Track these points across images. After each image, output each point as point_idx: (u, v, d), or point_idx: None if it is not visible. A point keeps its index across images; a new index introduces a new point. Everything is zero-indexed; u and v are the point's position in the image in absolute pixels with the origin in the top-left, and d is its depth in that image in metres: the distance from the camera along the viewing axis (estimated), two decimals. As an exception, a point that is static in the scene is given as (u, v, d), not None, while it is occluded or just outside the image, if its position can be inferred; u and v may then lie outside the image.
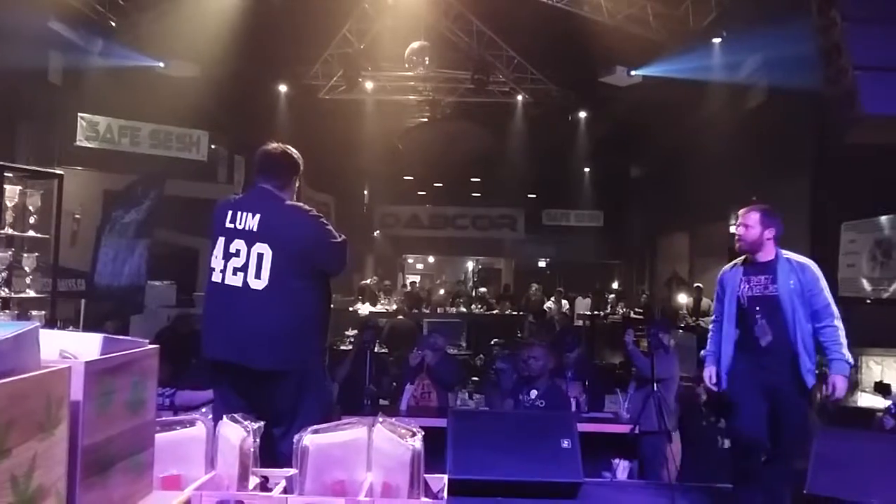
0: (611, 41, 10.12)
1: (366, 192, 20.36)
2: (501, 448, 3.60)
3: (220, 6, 9.30)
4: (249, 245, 2.86)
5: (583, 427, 4.27)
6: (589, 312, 12.94)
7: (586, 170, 17.98)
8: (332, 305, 3.27)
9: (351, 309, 12.96)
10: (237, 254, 2.86)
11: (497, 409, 5.42)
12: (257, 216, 2.90)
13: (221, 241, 2.91)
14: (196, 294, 9.39)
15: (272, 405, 2.86)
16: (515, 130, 14.73)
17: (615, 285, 17.88)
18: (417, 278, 20.77)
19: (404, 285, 17.91)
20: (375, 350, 6.69)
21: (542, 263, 21.03)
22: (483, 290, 15.65)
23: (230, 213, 2.93)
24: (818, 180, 9.62)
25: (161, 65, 10.82)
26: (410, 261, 23.14)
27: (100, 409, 1.34)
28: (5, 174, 3.70)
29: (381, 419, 1.92)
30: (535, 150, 15.18)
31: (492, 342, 9.29)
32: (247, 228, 2.88)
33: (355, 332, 10.11)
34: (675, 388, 5.39)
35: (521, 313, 12.71)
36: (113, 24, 9.98)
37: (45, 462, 1.16)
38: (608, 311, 13.92)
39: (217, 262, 2.91)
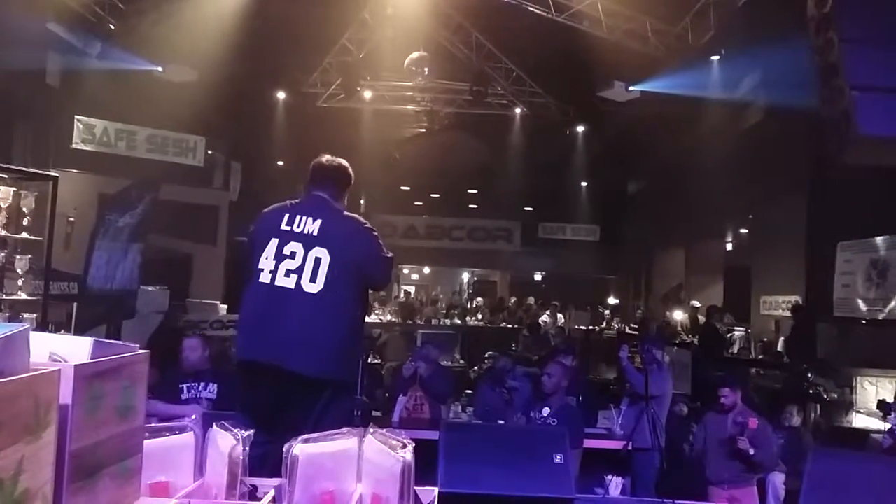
0: (609, 56, 10.18)
1: (362, 202, 20.36)
2: (493, 462, 3.57)
3: (220, 11, 9.33)
4: (307, 248, 2.89)
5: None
6: (585, 327, 12.94)
7: (583, 184, 18.04)
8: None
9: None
10: (292, 256, 2.88)
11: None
12: (318, 221, 2.94)
13: (275, 242, 2.90)
14: (190, 300, 9.37)
15: (304, 412, 2.83)
16: (513, 143, 14.78)
17: (611, 300, 17.89)
18: (412, 289, 20.73)
19: (397, 296, 17.88)
20: (369, 361, 6.66)
21: (537, 276, 21.04)
22: (479, 301, 15.64)
23: (287, 215, 2.96)
24: (814, 200, 9.68)
25: (159, 69, 10.85)
26: (406, 271, 23.10)
27: (88, 414, 1.33)
28: (0, 175, 3.69)
29: (371, 430, 1.91)
30: (533, 163, 15.24)
31: (486, 355, 9.26)
32: (306, 232, 2.92)
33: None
34: (668, 405, 5.39)
35: (517, 326, 12.69)
36: (112, 26, 10.01)
37: (32, 466, 1.15)
38: (603, 325, 13.92)
39: (267, 262, 2.89)
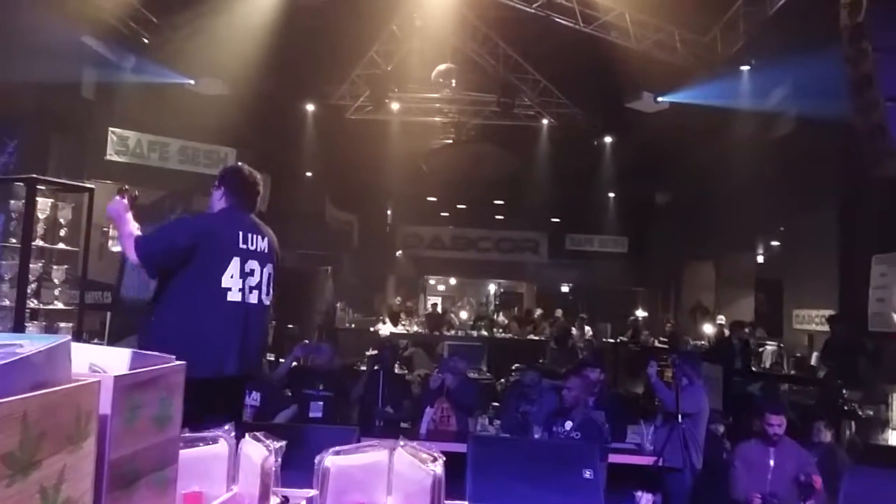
0: (638, 67, 10.13)
1: (389, 212, 20.47)
2: (522, 476, 3.56)
3: (251, 25, 9.47)
4: (262, 265, 3.07)
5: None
6: (613, 340, 12.83)
7: (611, 195, 17.92)
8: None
9: (372, 329, 12.98)
10: (252, 273, 3.02)
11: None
12: (266, 239, 3.12)
13: (237, 261, 2.99)
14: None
15: (237, 405, 3.18)
16: (540, 154, 14.74)
17: (639, 312, 17.71)
18: (439, 300, 20.73)
19: (427, 308, 17.90)
20: (396, 371, 6.67)
21: (564, 288, 20.92)
22: (506, 315, 15.57)
23: (241, 234, 3.04)
24: (847, 212, 9.50)
25: (191, 82, 11.03)
26: (432, 282, 23.13)
27: (127, 424, 1.35)
28: (38, 187, 3.78)
29: (402, 442, 1.92)
30: (560, 174, 15.18)
31: (513, 367, 9.22)
32: (258, 250, 3.08)
33: (375, 352, 10.16)
34: (703, 423, 5.25)
35: (544, 338, 12.61)
36: (146, 41, 10.22)
37: (73, 475, 1.17)
38: (631, 338, 13.78)
39: (234, 281, 2.97)
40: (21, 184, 3.82)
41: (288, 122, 13.50)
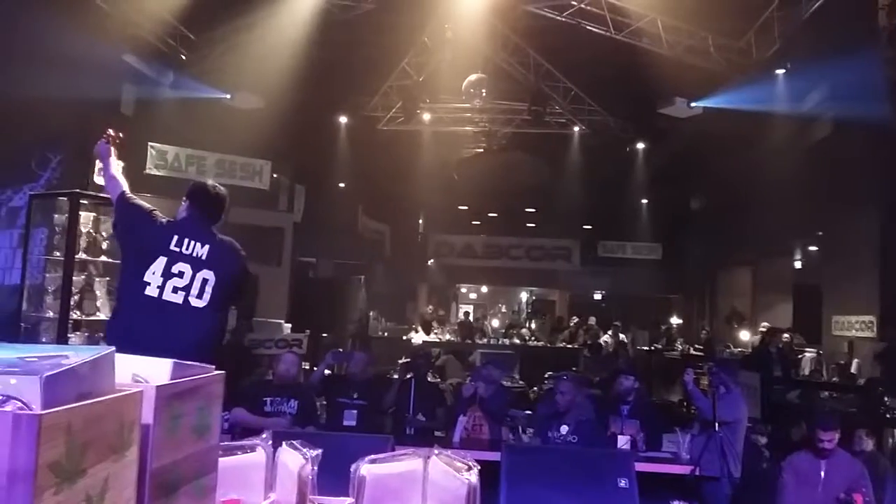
0: (670, 72, 10.03)
1: (420, 222, 20.54)
2: (556, 485, 3.52)
3: (285, 40, 9.61)
4: (196, 269, 3.25)
5: (640, 467, 4.15)
6: (647, 347, 12.67)
7: (644, 201, 17.74)
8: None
9: (405, 338, 13.01)
10: (180, 275, 3.22)
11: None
12: (206, 246, 3.30)
13: (163, 260, 3.22)
14: (256, 319, 9.56)
15: None
16: (571, 161, 14.67)
17: (674, 320, 17.47)
18: (471, 308, 20.69)
19: (459, 316, 17.88)
20: (428, 379, 6.68)
21: (597, 296, 20.73)
22: (537, 322, 15.49)
23: (176, 237, 3.26)
24: (888, 215, 9.26)
25: (228, 97, 11.22)
26: (464, 290, 23.11)
27: (168, 433, 1.38)
28: (81, 201, 3.87)
29: (436, 451, 1.92)
30: (592, 181, 15.09)
31: (546, 375, 9.16)
32: (194, 255, 3.27)
33: (405, 360, 10.18)
34: (742, 432, 5.16)
35: (577, 346, 12.50)
36: (183, 57, 10.44)
37: (116, 483, 1.19)
38: (665, 345, 13.59)
39: (154, 277, 3.20)
40: (64, 198, 3.92)
41: (321, 134, 13.64)
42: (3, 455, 0.98)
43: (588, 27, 9.86)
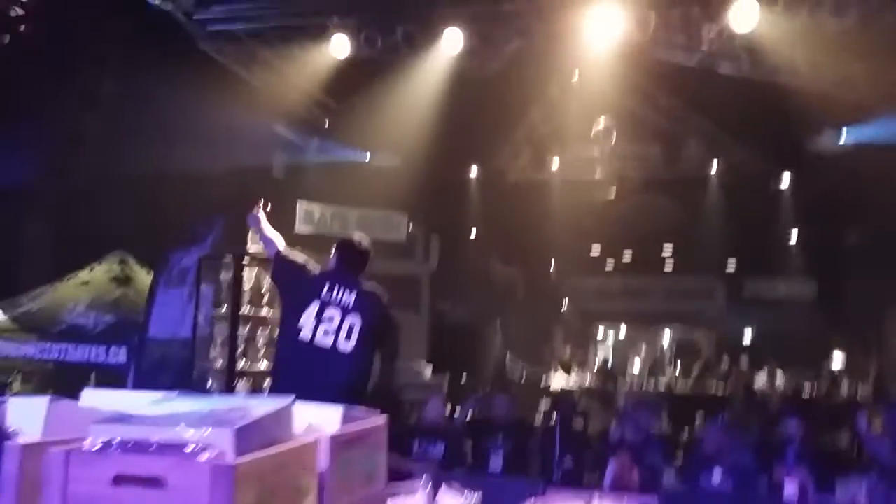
0: (816, 105, 9.40)
1: (552, 269, 20.29)
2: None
3: (419, 102, 10.00)
4: (343, 315, 3.46)
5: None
6: (806, 393, 11.66)
7: (793, 239, 16.57)
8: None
9: (544, 381, 12.78)
10: (330, 320, 3.44)
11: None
12: (353, 293, 3.54)
13: (316, 305, 3.45)
14: (399, 362, 9.74)
15: None
16: (710, 201, 14.03)
17: (833, 363, 15.97)
18: (609, 350, 20.03)
19: (598, 360, 17.37)
20: (575, 424, 6.51)
21: (746, 338, 19.42)
22: (683, 365, 14.72)
23: (328, 284, 3.52)
24: None
25: (367, 156, 11.82)
26: (600, 334, 22.46)
27: (340, 479, 1.41)
28: (243, 262, 4.16)
29: (597, 495, 1.85)
30: (733, 219, 14.29)
31: (696, 421, 8.65)
32: (342, 301, 3.49)
33: (548, 404, 9.96)
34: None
35: (728, 390, 11.75)
36: (326, 124, 11.14)
37: (298, 529, 1.23)
38: (828, 390, 12.44)
39: (308, 321, 3.44)
40: (229, 258, 4.23)
41: (454, 186, 13.96)
42: (202, 502, 1.04)
43: (722, 71, 9.49)
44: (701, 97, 11.02)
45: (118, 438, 1.12)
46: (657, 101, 11.58)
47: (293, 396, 1.32)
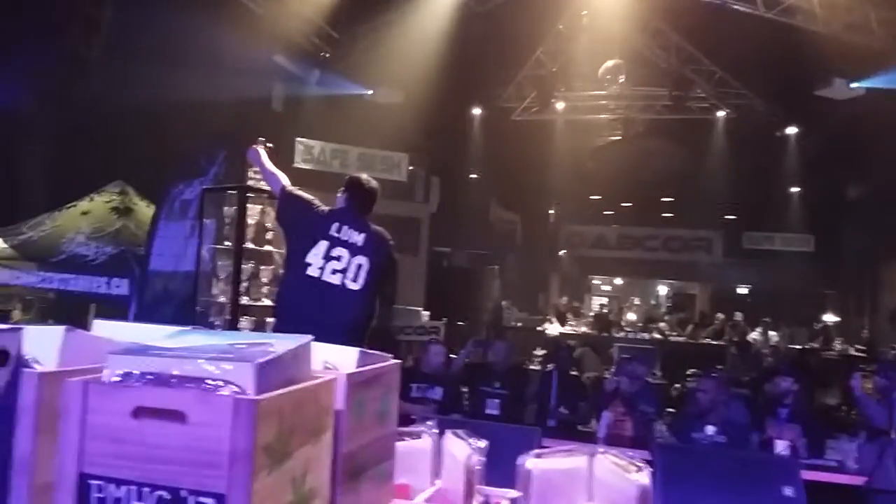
0: (827, 51, 9.23)
1: (552, 212, 20.28)
2: (714, 490, 3.35)
3: (423, 36, 9.79)
4: (352, 255, 3.51)
5: (803, 475, 3.86)
6: (800, 346, 11.81)
7: (794, 190, 16.51)
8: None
9: (539, 329, 12.93)
10: (339, 259, 3.49)
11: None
12: (362, 234, 3.56)
13: (324, 244, 3.49)
14: (395, 306, 9.82)
15: None
16: (715, 148, 13.92)
17: (828, 317, 16.16)
18: (605, 300, 20.21)
19: (594, 308, 17.54)
20: (570, 373, 6.58)
21: (742, 290, 19.57)
22: (678, 317, 14.88)
23: (336, 224, 3.54)
24: None
25: (369, 92, 11.61)
26: (597, 282, 22.61)
27: (356, 419, 1.42)
28: (248, 195, 4.13)
29: (601, 449, 1.86)
30: (736, 168, 14.23)
31: (689, 372, 8.77)
32: (351, 241, 3.54)
33: (544, 352, 10.09)
34: (922, 440, 4.69)
35: (721, 343, 11.88)
36: (327, 55, 10.89)
37: (315, 466, 1.24)
38: (821, 345, 12.61)
39: (316, 259, 3.47)
40: (234, 192, 4.19)
41: (456, 126, 13.80)
42: (223, 437, 1.04)
43: (735, 6, 9.26)
44: (712, 38, 10.81)
45: (137, 371, 1.11)
46: (667, 41, 11.32)
47: (311, 336, 1.31)
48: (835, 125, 11.84)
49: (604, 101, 13.86)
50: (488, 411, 5.63)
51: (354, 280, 3.48)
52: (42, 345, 1.27)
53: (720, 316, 13.61)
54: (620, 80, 11.01)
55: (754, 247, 17.46)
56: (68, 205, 8.49)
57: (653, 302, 20.55)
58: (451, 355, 7.74)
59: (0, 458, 1.19)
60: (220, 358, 1.13)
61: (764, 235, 17.44)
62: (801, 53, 9.37)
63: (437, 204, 13.79)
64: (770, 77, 11.51)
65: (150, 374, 1.11)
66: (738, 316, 13.71)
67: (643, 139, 14.50)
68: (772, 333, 12.70)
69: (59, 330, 1.29)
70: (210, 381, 1.08)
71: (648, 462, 1.88)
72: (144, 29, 7.42)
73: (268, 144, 3.99)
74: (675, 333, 12.88)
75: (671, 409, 6.78)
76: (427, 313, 9.84)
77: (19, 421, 1.19)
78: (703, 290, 19.80)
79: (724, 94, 12.70)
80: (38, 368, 1.23)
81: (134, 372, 1.11)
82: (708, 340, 12.32)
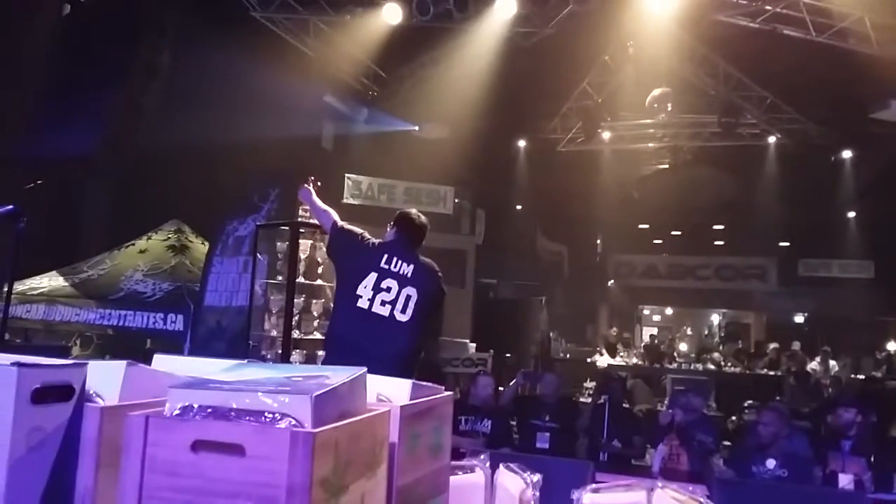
0: (882, 73, 8.99)
1: (598, 241, 20.08)
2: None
3: (469, 72, 9.90)
4: (401, 286, 3.54)
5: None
6: (863, 377, 11.31)
7: (851, 214, 15.99)
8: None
9: (588, 360, 12.72)
10: (388, 290, 3.51)
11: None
12: (411, 266, 3.60)
13: (374, 276, 3.53)
14: (443, 339, 9.80)
15: None
16: (766, 174, 13.61)
17: (891, 345, 15.47)
18: (655, 331, 19.79)
19: (644, 339, 17.17)
20: (623, 405, 6.44)
21: (798, 319, 18.95)
22: (732, 347, 14.45)
23: (386, 256, 3.58)
24: None
25: (416, 128, 11.78)
26: (647, 312, 22.20)
27: (410, 452, 1.40)
28: (300, 230, 4.19)
29: (660, 483, 1.80)
30: (790, 194, 13.87)
31: (745, 404, 8.49)
32: (401, 273, 3.57)
33: (594, 384, 9.91)
34: None
35: (779, 374, 11.48)
36: (375, 94, 11.12)
37: (370, 500, 1.22)
38: (885, 374, 12.05)
39: (366, 291, 3.51)
40: (286, 228, 4.26)
41: (502, 158, 13.86)
42: (281, 471, 1.03)
43: (785, 31, 9.11)
44: (761, 64, 10.64)
45: (197, 404, 1.12)
46: (715, 68, 11.19)
47: (364, 368, 1.30)
48: (892, 147, 11.48)
49: (651, 130, 13.73)
50: (538, 445, 5.54)
51: (403, 311, 3.51)
52: (104, 379, 1.30)
53: (775, 345, 13.19)
54: (668, 109, 10.93)
55: (811, 274, 16.96)
56: (127, 244, 8.77)
57: (705, 332, 20.04)
58: (500, 387, 7.69)
59: (64, 492, 1.20)
60: (277, 391, 1.13)
61: (821, 262, 16.93)
62: (854, 76, 9.16)
63: (483, 236, 13.80)
64: (823, 101, 11.26)
65: (210, 407, 1.11)
66: (796, 345, 13.26)
67: (692, 167, 14.28)
68: (832, 363, 12.21)
69: (121, 364, 1.31)
70: (268, 414, 1.09)
71: (707, 496, 1.81)
72: (200, 73, 7.71)
73: (317, 183, 4.08)
74: (729, 364, 12.51)
75: (727, 442, 6.56)
76: (473, 345, 9.79)
77: (82, 454, 1.21)
78: (757, 320, 19.25)
79: (776, 119, 12.43)
80: (101, 403, 1.25)
81: (194, 405, 1.12)
82: (764, 371, 11.93)
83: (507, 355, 11.53)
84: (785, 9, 8.90)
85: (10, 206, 2.66)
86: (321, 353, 4.13)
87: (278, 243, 4.43)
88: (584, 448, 6.05)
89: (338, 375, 1.22)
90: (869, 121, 10.41)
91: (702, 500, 1.71)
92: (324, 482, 1.06)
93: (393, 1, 8.62)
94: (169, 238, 8.79)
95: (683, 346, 15.35)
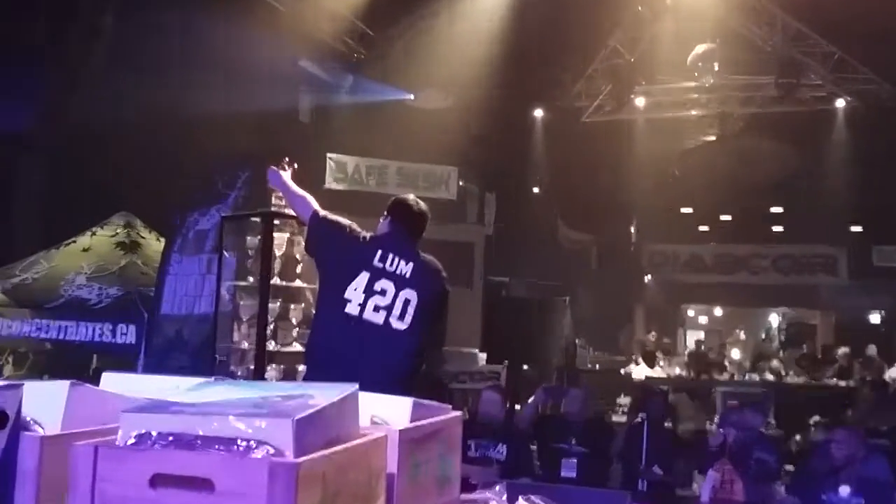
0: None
1: (632, 229, 20.08)
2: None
3: (475, 28, 9.89)
4: (398, 288, 3.48)
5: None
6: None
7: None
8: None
9: (622, 371, 12.74)
10: (383, 293, 3.46)
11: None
12: (410, 264, 3.54)
13: (365, 276, 3.47)
14: (447, 349, 9.82)
15: None
16: (834, 146, 13.64)
17: None
18: (702, 335, 19.82)
19: (689, 345, 17.19)
20: (665, 425, 6.47)
21: (874, 318, 18.99)
22: (795, 353, 14.51)
23: (380, 252, 3.52)
24: None
25: (411, 97, 11.76)
26: (691, 313, 22.23)
27: (411, 484, 1.41)
28: (273, 224, 4.19)
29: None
30: (862, 170, 13.87)
31: (811, 421, 8.52)
32: (398, 272, 3.51)
33: (629, 399, 9.92)
34: None
35: (852, 384, 11.55)
36: (362, 57, 11.11)
37: (365, 542, 1.23)
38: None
39: (356, 294, 3.45)
40: (257, 219, 4.26)
41: (515, 132, 13.84)
42: (258, 508, 1.04)
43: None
44: (827, 12, 10.60)
45: (155, 431, 1.13)
46: (771, 18, 11.16)
47: (356, 385, 1.30)
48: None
49: (694, 95, 13.73)
50: (564, 473, 5.57)
51: (401, 318, 3.46)
52: (44, 403, 1.30)
53: (846, 350, 13.24)
54: (715, 69, 10.91)
55: (887, 264, 16.99)
56: (67, 241, 8.76)
57: (762, 336, 20.06)
58: (516, 405, 7.69)
59: (-3, 534, 1.21)
60: (251, 414, 1.13)
61: (900, 252, 16.97)
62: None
63: (494, 225, 13.81)
64: (899, 58, 11.27)
65: (171, 434, 1.12)
66: (872, 349, 13.29)
67: (744, 138, 14.33)
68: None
69: (63, 385, 1.32)
70: (241, 442, 1.09)
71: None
72: (150, 35, 7.71)
73: (293, 165, 4.04)
74: (791, 373, 12.57)
75: (790, 466, 6.61)
76: (484, 356, 9.82)
77: (19, 491, 1.22)
78: (824, 320, 19.27)
79: (845, 79, 12.42)
80: (40, 431, 1.25)
81: (152, 433, 1.13)
82: (834, 381, 11.97)
83: (525, 367, 11.52)
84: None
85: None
86: (302, 367, 4.13)
87: (248, 238, 4.42)
88: (618, 476, 6.09)
89: (324, 394, 1.22)
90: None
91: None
92: (309, 521, 1.07)
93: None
94: (117, 234, 8.80)
95: (736, 354, 15.39)
